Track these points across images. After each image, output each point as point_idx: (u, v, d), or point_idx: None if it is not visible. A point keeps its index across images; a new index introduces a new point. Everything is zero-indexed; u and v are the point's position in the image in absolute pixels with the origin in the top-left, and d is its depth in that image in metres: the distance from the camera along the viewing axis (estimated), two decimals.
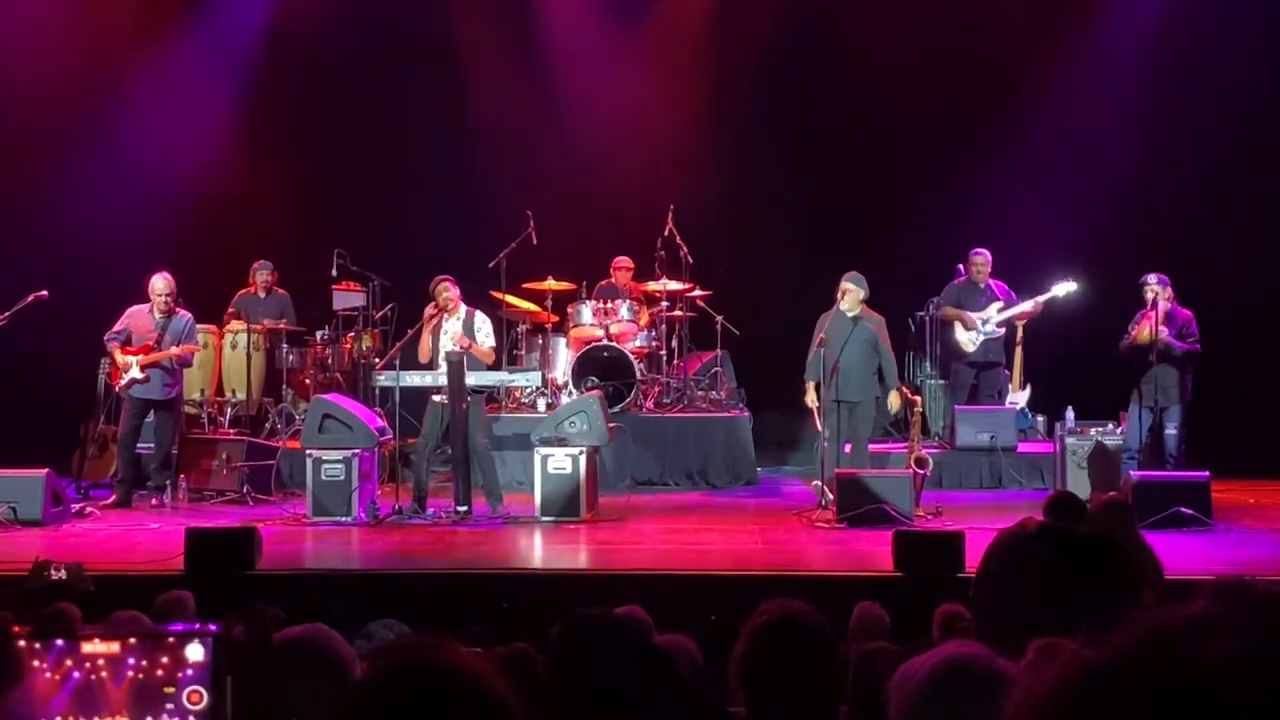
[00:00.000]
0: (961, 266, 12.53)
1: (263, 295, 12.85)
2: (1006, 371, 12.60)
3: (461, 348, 10.13)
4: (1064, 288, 12.21)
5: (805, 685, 2.89)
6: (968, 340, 12.36)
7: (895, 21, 13.79)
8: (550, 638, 3.10)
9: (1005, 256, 12.52)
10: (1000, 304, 12.30)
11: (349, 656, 2.88)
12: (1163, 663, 1.06)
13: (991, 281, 12.39)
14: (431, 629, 4.15)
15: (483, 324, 10.56)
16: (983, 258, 12.38)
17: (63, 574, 5.91)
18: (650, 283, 12.80)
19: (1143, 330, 10.70)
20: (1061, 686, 1.11)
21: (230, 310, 12.78)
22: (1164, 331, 10.59)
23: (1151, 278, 10.78)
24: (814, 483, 10.65)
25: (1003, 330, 12.35)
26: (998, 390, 12.53)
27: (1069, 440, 11.14)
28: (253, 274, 12.92)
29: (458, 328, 10.43)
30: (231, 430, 12.06)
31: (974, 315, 12.33)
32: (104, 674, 2.10)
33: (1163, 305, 10.65)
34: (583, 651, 2.79)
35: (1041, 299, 12.26)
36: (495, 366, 11.08)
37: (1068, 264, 12.40)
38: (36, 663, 2.11)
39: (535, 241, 12.27)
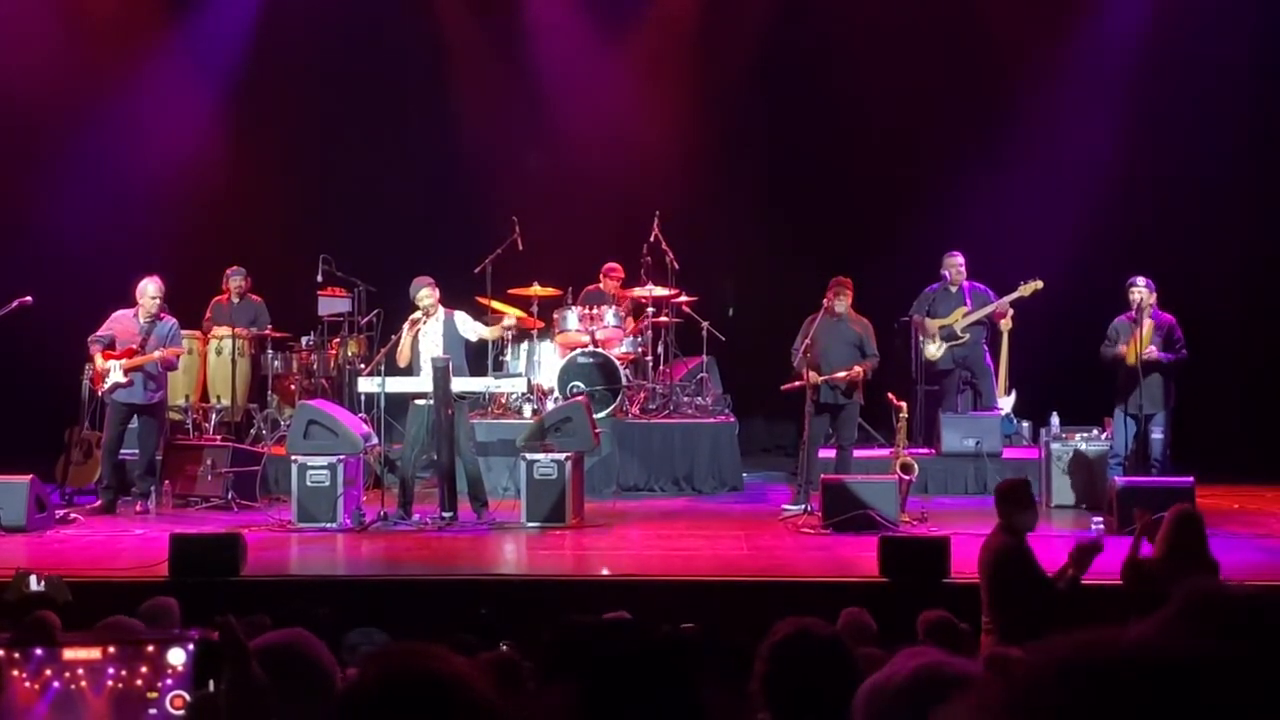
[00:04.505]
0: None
1: (236, 301, 12.72)
2: (991, 363, 12.57)
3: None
4: (1030, 286, 12.20)
5: (828, 697, 2.90)
6: (931, 350, 12.37)
7: (880, 28, 13.79)
8: (541, 642, 3.09)
9: (990, 260, 12.51)
10: (965, 310, 12.29)
11: (330, 662, 2.88)
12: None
13: (967, 284, 12.36)
14: (417, 635, 4.14)
15: (464, 321, 10.62)
16: (957, 260, 12.36)
17: (41, 586, 5.90)
18: (636, 288, 12.78)
19: (1130, 350, 10.67)
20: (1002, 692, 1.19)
21: (208, 317, 12.69)
22: (1151, 350, 10.57)
23: (1140, 280, 10.78)
24: (785, 508, 10.67)
25: (967, 336, 12.31)
26: (972, 385, 12.51)
27: (1054, 446, 11.15)
28: (226, 280, 12.82)
29: (439, 329, 10.43)
30: (216, 436, 11.99)
31: (932, 324, 12.33)
32: (83, 682, 2.08)
33: (1148, 311, 10.66)
34: (585, 654, 2.77)
35: (1007, 299, 12.26)
36: (480, 372, 11.08)
37: (1052, 268, 12.41)
38: (15, 671, 2.09)
39: (521, 247, 12.27)
